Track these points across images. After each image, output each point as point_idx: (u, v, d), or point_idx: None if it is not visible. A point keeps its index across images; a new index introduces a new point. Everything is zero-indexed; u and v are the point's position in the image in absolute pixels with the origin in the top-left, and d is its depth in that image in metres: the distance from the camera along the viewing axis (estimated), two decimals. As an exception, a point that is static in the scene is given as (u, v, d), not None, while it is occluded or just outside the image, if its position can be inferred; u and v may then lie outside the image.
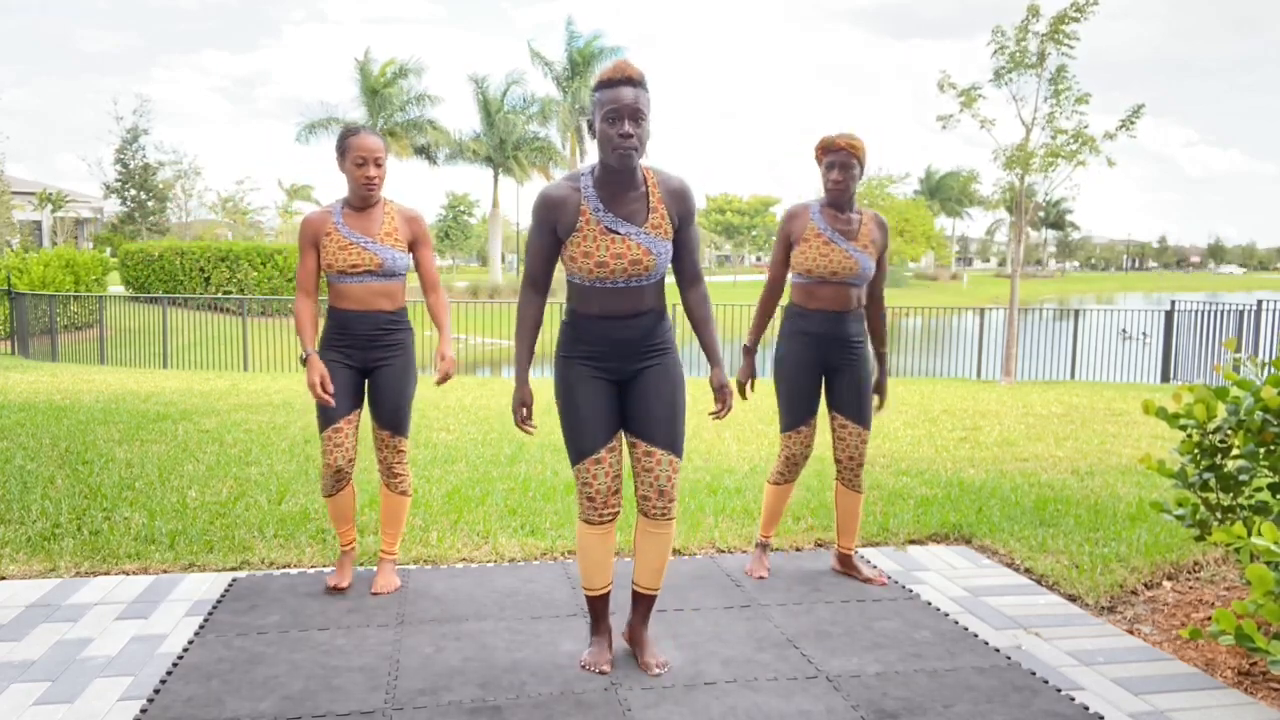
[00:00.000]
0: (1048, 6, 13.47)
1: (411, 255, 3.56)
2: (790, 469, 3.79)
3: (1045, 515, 4.69)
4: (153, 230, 35.37)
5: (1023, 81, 13.87)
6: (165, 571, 3.80)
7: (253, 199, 65.00)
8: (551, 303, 3.16)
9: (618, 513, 2.89)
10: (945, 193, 71.42)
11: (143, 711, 2.66)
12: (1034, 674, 2.98)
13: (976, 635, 3.29)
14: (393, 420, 3.53)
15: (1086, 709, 2.76)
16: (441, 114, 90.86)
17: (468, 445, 6.31)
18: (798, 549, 4.24)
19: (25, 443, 6.03)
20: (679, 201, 2.82)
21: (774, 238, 3.76)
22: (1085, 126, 13.65)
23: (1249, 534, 2.96)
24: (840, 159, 3.55)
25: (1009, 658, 3.10)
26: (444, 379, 3.52)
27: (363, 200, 3.45)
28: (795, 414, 3.71)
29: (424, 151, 38.10)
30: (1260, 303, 12.99)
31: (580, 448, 2.82)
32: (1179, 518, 3.38)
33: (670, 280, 2.95)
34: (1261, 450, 3.15)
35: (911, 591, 3.70)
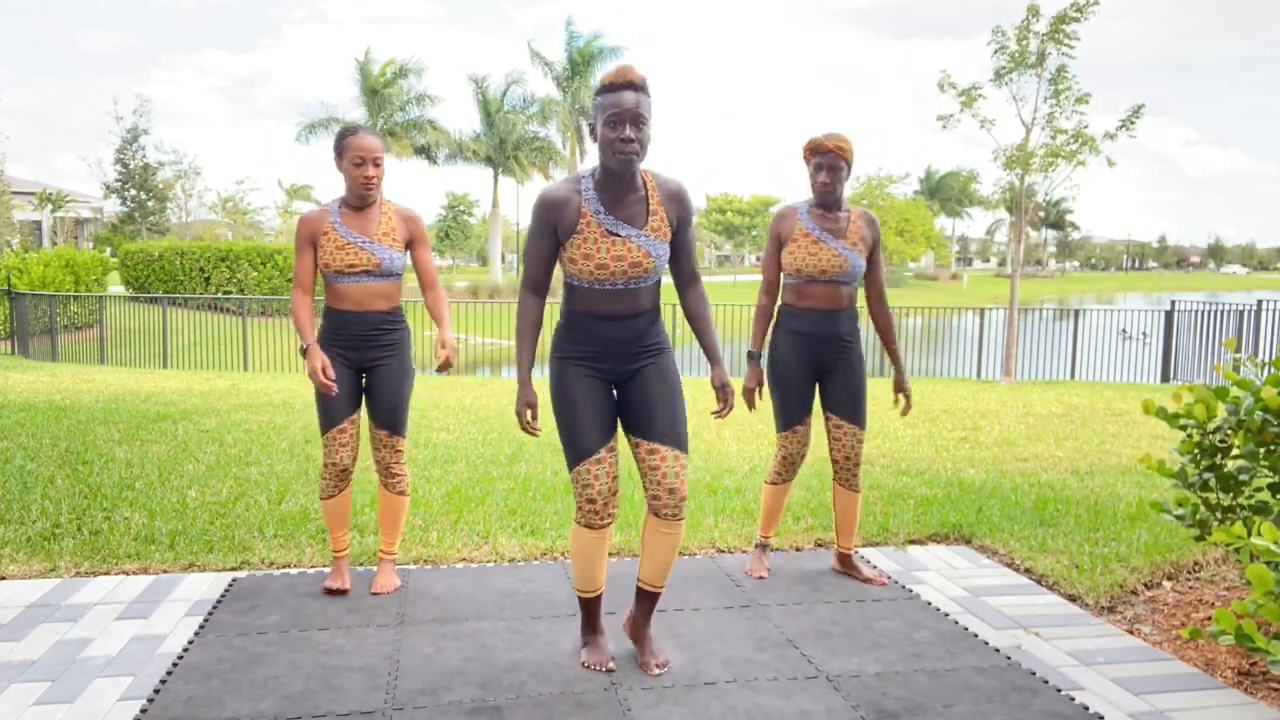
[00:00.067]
0: (1048, 6, 13.48)
1: (409, 255, 3.57)
2: (788, 469, 3.79)
3: (1045, 515, 4.69)
4: (153, 230, 35.37)
5: (1023, 81, 13.87)
6: (165, 571, 3.80)
7: (253, 199, 65.05)
8: (551, 302, 3.15)
9: (616, 516, 2.88)
10: (945, 193, 71.41)
11: (143, 711, 2.66)
12: (1034, 674, 2.98)
13: (976, 635, 3.29)
14: (390, 420, 3.53)
15: (1086, 709, 2.76)
16: (441, 114, 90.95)
17: (468, 445, 6.31)
18: (798, 549, 4.24)
19: (25, 443, 6.03)
20: (677, 204, 2.85)
21: None
22: (1085, 126, 13.65)
23: (1249, 534, 2.95)
24: (828, 160, 3.57)
25: (1009, 658, 3.10)
26: (445, 366, 3.50)
27: (361, 200, 3.45)
28: (790, 414, 3.71)
29: (424, 151, 38.09)
30: (1260, 303, 12.99)
31: (579, 449, 2.80)
32: (1179, 518, 3.38)
33: (666, 280, 2.95)
34: (1261, 450, 3.15)
35: (911, 591, 3.70)
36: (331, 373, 3.32)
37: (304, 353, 3.36)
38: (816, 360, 3.67)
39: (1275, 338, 12.79)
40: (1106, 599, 3.66)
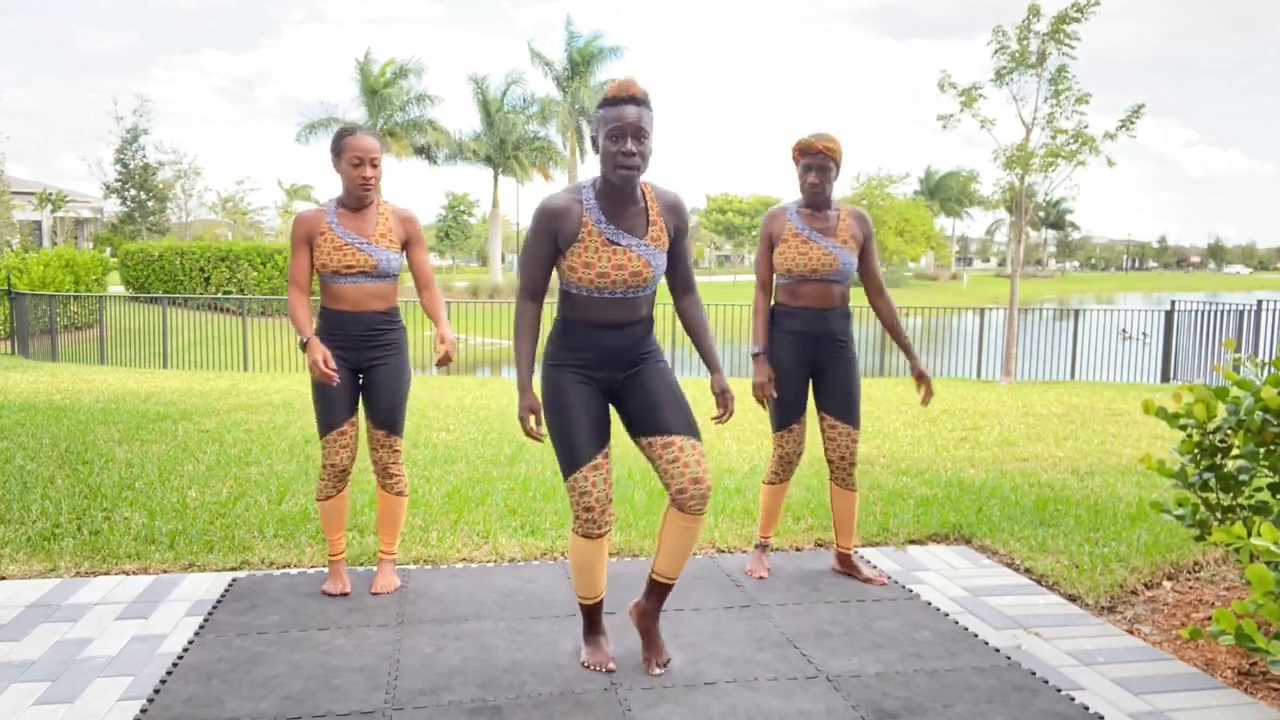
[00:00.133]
0: (1049, 6, 13.47)
1: (405, 256, 3.57)
2: (784, 468, 3.80)
3: (1045, 515, 4.69)
4: (153, 230, 35.38)
5: (1023, 81, 13.87)
6: (165, 571, 3.80)
7: (253, 199, 65.06)
8: (550, 302, 3.15)
9: (613, 524, 2.87)
10: (945, 193, 71.40)
11: (143, 711, 2.66)
12: (1034, 674, 2.98)
13: (976, 635, 3.29)
14: (389, 420, 3.53)
15: (1086, 709, 2.76)
16: (441, 114, 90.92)
17: (468, 445, 6.31)
18: (798, 549, 4.24)
19: (25, 443, 6.03)
20: (675, 215, 2.88)
21: None
22: (1085, 126, 13.65)
23: (1249, 534, 2.96)
24: (818, 161, 3.58)
25: (1009, 658, 3.10)
26: (445, 360, 3.49)
27: (358, 201, 3.45)
28: (786, 413, 3.72)
29: (424, 151, 38.08)
30: (1260, 303, 12.99)
31: (575, 456, 2.79)
32: (1179, 518, 3.38)
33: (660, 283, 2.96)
34: (1261, 450, 3.15)
35: (911, 591, 3.70)
36: (333, 363, 3.31)
37: (303, 347, 3.35)
38: (810, 359, 3.68)
39: (1275, 338, 12.80)
40: (1106, 599, 3.66)
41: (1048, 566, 3.95)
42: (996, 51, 13.87)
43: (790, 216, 3.69)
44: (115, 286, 24.10)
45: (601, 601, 3.00)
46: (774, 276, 3.76)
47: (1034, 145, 13.97)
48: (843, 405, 3.70)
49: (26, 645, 3.09)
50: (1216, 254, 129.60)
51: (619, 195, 2.76)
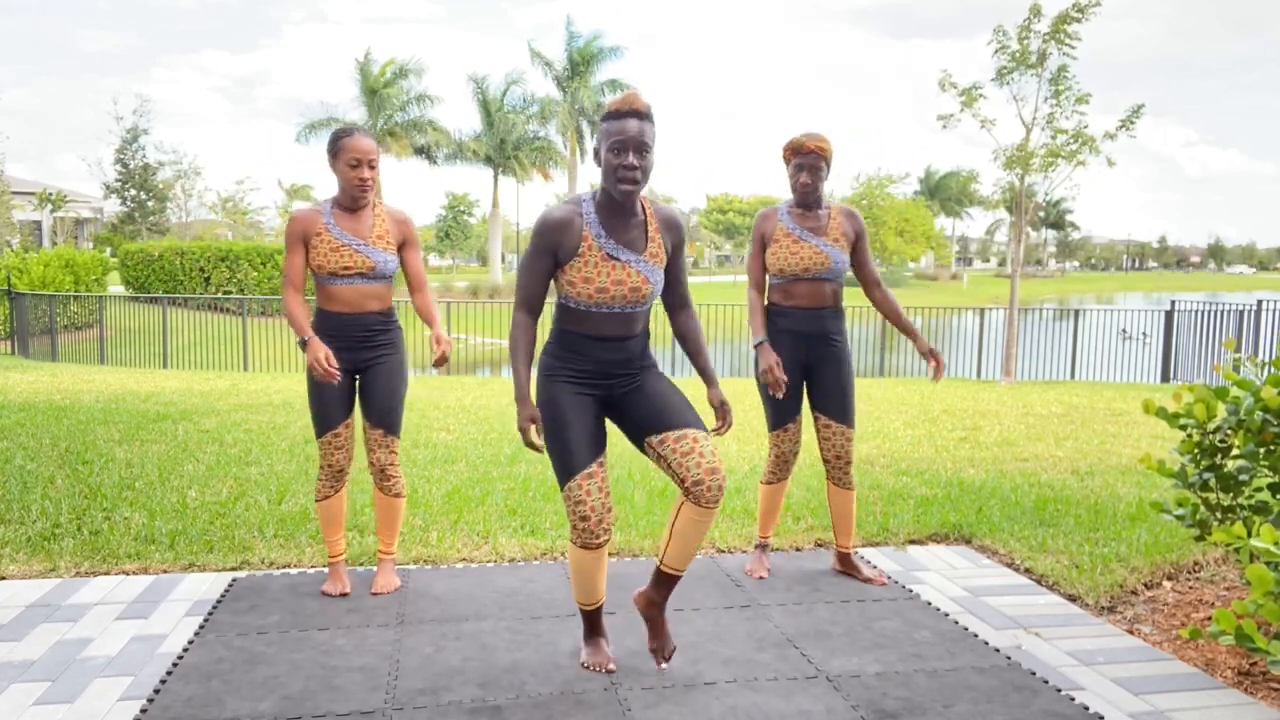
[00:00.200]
0: (1050, 6, 13.47)
1: (399, 257, 3.56)
2: (781, 467, 3.80)
3: (1045, 515, 4.70)
4: (153, 230, 35.39)
5: (1023, 81, 13.87)
6: (165, 571, 3.80)
7: (253, 199, 65.04)
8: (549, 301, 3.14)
9: (611, 534, 2.87)
10: (945, 193, 71.42)
11: (143, 711, 2.66)
12: (1034, 674, 2.98)
13: (976, 635, 3.29)
14: (386, 419, 3.53)
15: (1086, 709, 2.76)
16: (441, 114, 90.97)
17: (468, 445, 6.31)
18: (798, 549, 4.24)
19: (25, 443, 6.03)
20: (673, 232, 2.89)
21: None
22: (1085, 126, 13.65)
23: (1249, 534, 2.96)
24: (809, 161, 3.59)
25: (1009, 658, 3.10)
26: (442, 360, 3.49)
27: (354, 202, 3.44)
28: (781, 412, 3.73)
29: (424, 151, 38.08)
30: (1260, 303, 13.00)
31: (571, 464, 2.77)
32: (1179, 518, 3.38)
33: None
34: (1261, 450, 3.15)
35: (911, 591, 3.70)
36: (334, 361, 3.31)
37: (303, 346, 3.34)
38: (804, 358, 3.69)
39: (1275, 338, 12.80)
40: (1106, 599, 3.66)
41: (1048, 566, 3.95)
42: (997, 51, 13.87)
43: (781, 217, 3.70)
44: (115, 286, 24.11)
45: (602, 605, 3.00)
46: (766, 276, 3.77)
47: (1034, 145, 13.98)
48: (837, 405, 3.70)
49: (26, 645, 3.09)
50: (1216, 254, 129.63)
51: (619, 209, 2.77)
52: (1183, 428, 3.33)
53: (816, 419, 3.75)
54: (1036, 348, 14.87)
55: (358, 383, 3.55)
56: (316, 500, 3.58)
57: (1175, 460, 4.21)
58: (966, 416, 8.36)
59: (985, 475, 5.61)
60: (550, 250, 2.76)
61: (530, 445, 2.80)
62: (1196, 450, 3.34)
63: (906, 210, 52.56)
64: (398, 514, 3.66)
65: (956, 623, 3.40)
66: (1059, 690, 2.87)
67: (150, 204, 35.91)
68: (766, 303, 3.78)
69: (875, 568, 3.97)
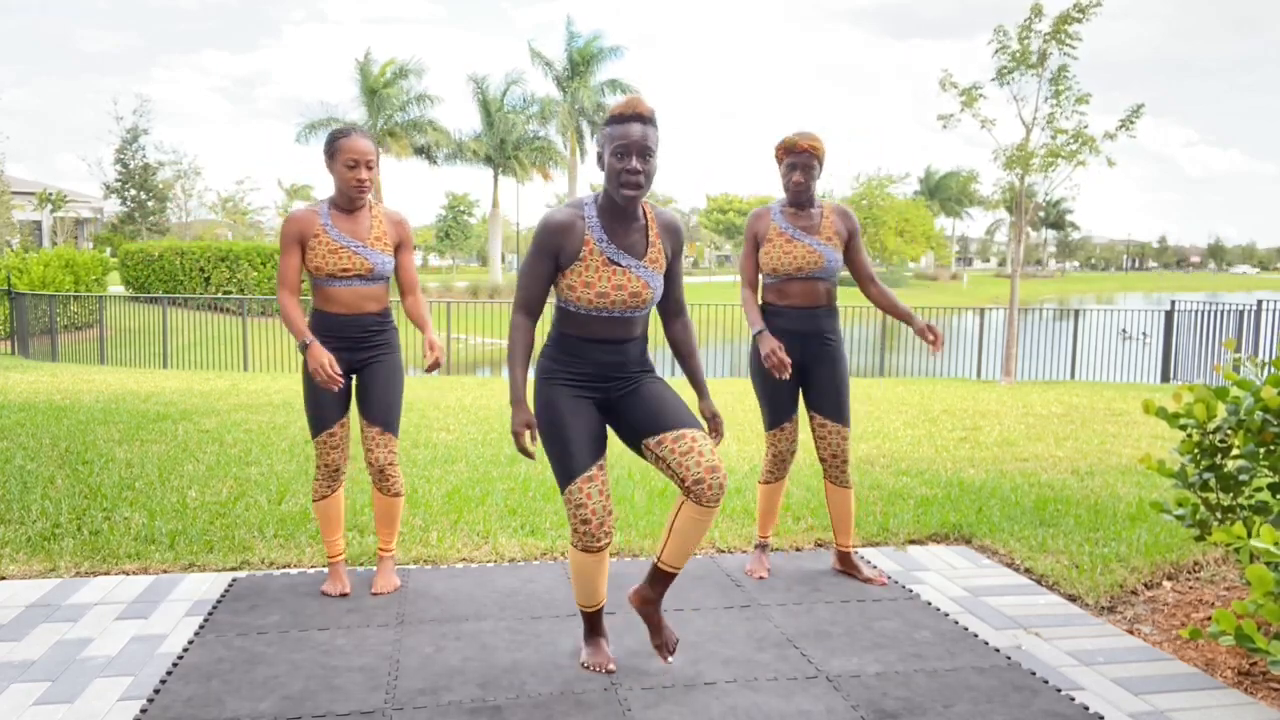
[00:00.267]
0: (1051, 6, 13.46)
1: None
2: (778, 466, 3.81)
3: (1045, 515, 4.69)
4: (153, 230, 35.39)
5: (1023, 81, 13.86)
6: (165, 571, 3.80)
7: (253, 199, 65.03)
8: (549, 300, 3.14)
9: (612, 537, 2.86)
10: (945, 193, 71.43)
11: (143, 711, 2.66)
12: (1034, 674, 2.98)
13: (976, 635, 3.29)
14: (386, 417, 3.52)
15: (1086, 709, 2.76)
16: (441, 114, 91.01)
17: (468, 445, 6.31)
18: (798, 549, 4.24)
19: (25, 443, 6.03)
20: (673, 237, 2.90)
21: None
22: (1085, 126, 13.64)
23: (1249, 534, 2.96)
24: (802, 160, 3.60)
25: (1009, 658, 3.10)
26: (434, 366, 3.49)
27: (351, 203, 3.43)
28: (777, 412, 3.74)
29: (424, 151, 38.09)
30: (1260, 303, 12.99)
31: (571, 468, 2.77)
32: (1179, 518, 3.38)
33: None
34: (1261, 450, 3.15)
35: (911, 591, 3.70)
36: (338, 368, 3.31)
37: (303, 349, 3.34)
38: (799, 357, 3.69)
39: (1275, 338, 12.79)
40: (1106, 599, 3.66)
41: (1048, 566, 3.95)
42: (997, 51, 13.86)
43: (774, 216, 3.71)
44: (115, 286, 24.11)
45: (602, 607, 3.00)
46: (760, 276, 3.78)
47: (1034, 145, 13.97)
48: (832, 404, 3.70)
49: (26, 645, 3.09)
50: (1217, 254, 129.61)
51: (621, 213, 2.76)
52: (1183, 428, 3.33)
53: (812, 418, 3.75)
54: (1036, 348, 14.87)
55: (354, 383, 3.55)
56: (314, 500, 3.58)
57: (1175, 460, 4.21)
58: (966, 416, 8.36)
59: (985, 475, 5.61)
60: (552, 253, 2.75)
61: (522, 451, 2.78)
62: (1196, 450, 3.34)
63: (906, 210, 52.54)
64: (397, 512, 3.66)
65: (956, 623, 3.40)
66: (1059, 690, 2.87)
67: (150, 204, 35.91)
68: (761, 303, 3.78)
69: (875, 568, 3.97)
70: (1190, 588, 3.79)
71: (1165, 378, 13.94)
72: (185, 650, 3.05)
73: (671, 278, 2.93)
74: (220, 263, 23.06)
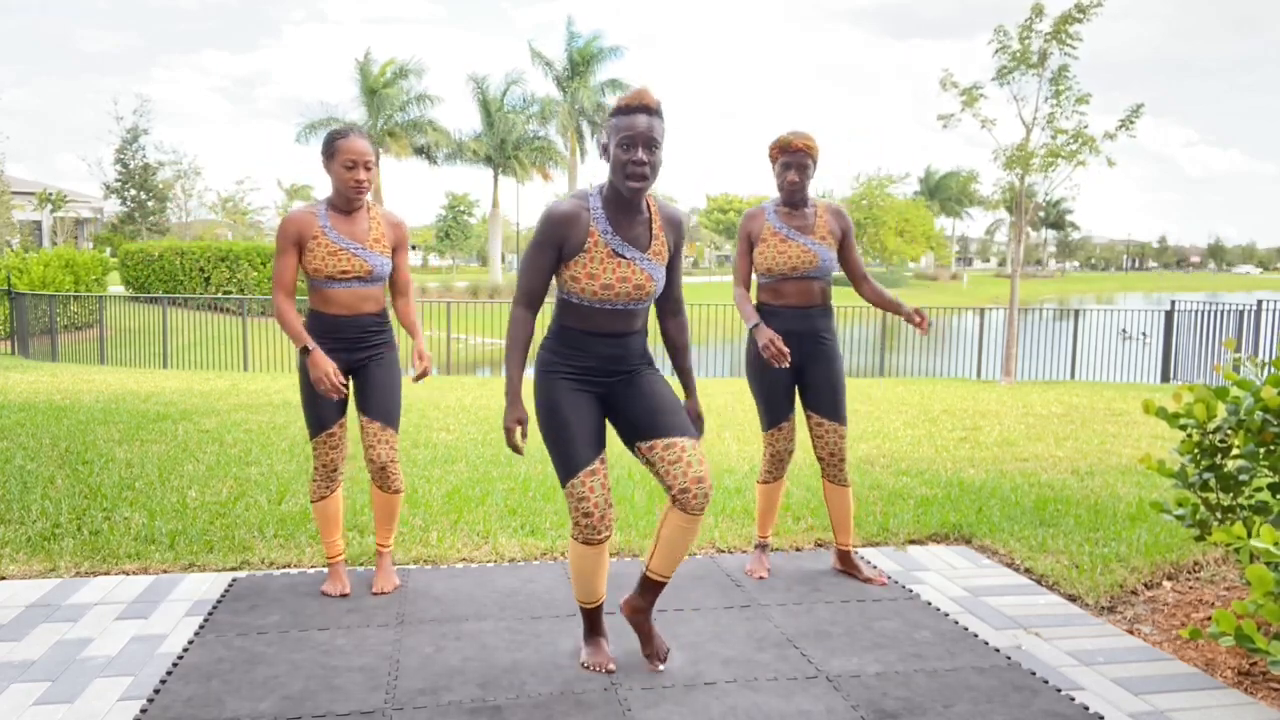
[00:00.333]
0: (1051, 6, 13.46)
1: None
2: (777, 466, 3.81)
3: (1045, 515, 4.69)
4: (153, 230, 35.39)
5: (1024, 81, 13.86)
6: (165, 571, 3.80)
7: (253, 199, 65.05)
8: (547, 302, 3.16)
9: (612, 529, 2.87)
10: (945, 193, 71.42)
11: (143, 711, 2.66)
12: (1034, 674, 2.98)
13: (976, 635, 3.29)
14: (386, 413, 3.52)
15: (1086, 709, 2.76)
16: (441, 114, 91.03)
17: (468, 445, 6.31)
18: (798, 549, 4.24)
19: (25, 443, 6.03)
20: (675, 230, 2.90)
21: None
22: (1085, 126, 13.64)
23: (1249, 534, 2.95)
24: (797, 159, 3.60)
25: (1009, 658, 3.10)
26: (422, 376, 3.51)
27: (349, 204, 3.42)
28: (774, 412, 3.74)
29: (424, 151, 38.09)
30: (1260, 303, 12.99)
31: (572, 462, 2.78)
32: (1179, 518, 3.38)
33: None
34: (1261, 450, 3.15)
35: (911, 591, 3.70)
36: (340, 376, 3.31)
37: (304, 355, 3.33)
38: (795, 357, 3.70)
39: (1275, 338, 12.79)
40: (1106, 599, 3.66)
41: (1048, 566, 3.95)
42: (998, 51, 13.86)
43: (769, 216, 3.71)
44: (115, 286, 24.10)
45: (602, 604, 3.00)
46: (754, 276, 3.78)
47: (1034, 145, 13.96)
48: (828, 402, 3.71)
49: (26, 645, 3.09)
50: (1216, 254, 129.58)
51: (625, 205, 2.76)
52: (1183, 428, 3.33)
53: (809, 417, 3.75)
54: (1036, 348, 14.86)
55: (352, 382, 3.55)
56: (312, 501, 3.57)
57: (1175, 460, 4.21)
58: (966, 416, 8.36)
59: (985, 475, 5.61)
60: (555, 244, 2.74)
61: (513, 447, 2.79)
62: (1196, 450, 3.34)
63: (906, 210, 52.53)
64: (396, 510, 3.67)
65: (956, 623, 3.40)
66: (1059, 690, 2.87)
67: (150, 204, 35.90)
68: (756, 303, 3.78)
69: (875, 568, 3.97)
70: (1190, 588, 3.79)
71: (1165, 378, 13.94)
72: (185, 650, 3.05)
73: (671, 272, 2.93)
74: (220, 263, 23.06)
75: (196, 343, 16.01)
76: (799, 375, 3.75)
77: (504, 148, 38.45)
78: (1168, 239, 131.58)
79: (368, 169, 3.37)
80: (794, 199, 3.67)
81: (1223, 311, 13.49)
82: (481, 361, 19.43)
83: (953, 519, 4.58)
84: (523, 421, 2.80)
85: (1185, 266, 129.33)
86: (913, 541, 4.37)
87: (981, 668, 3.02)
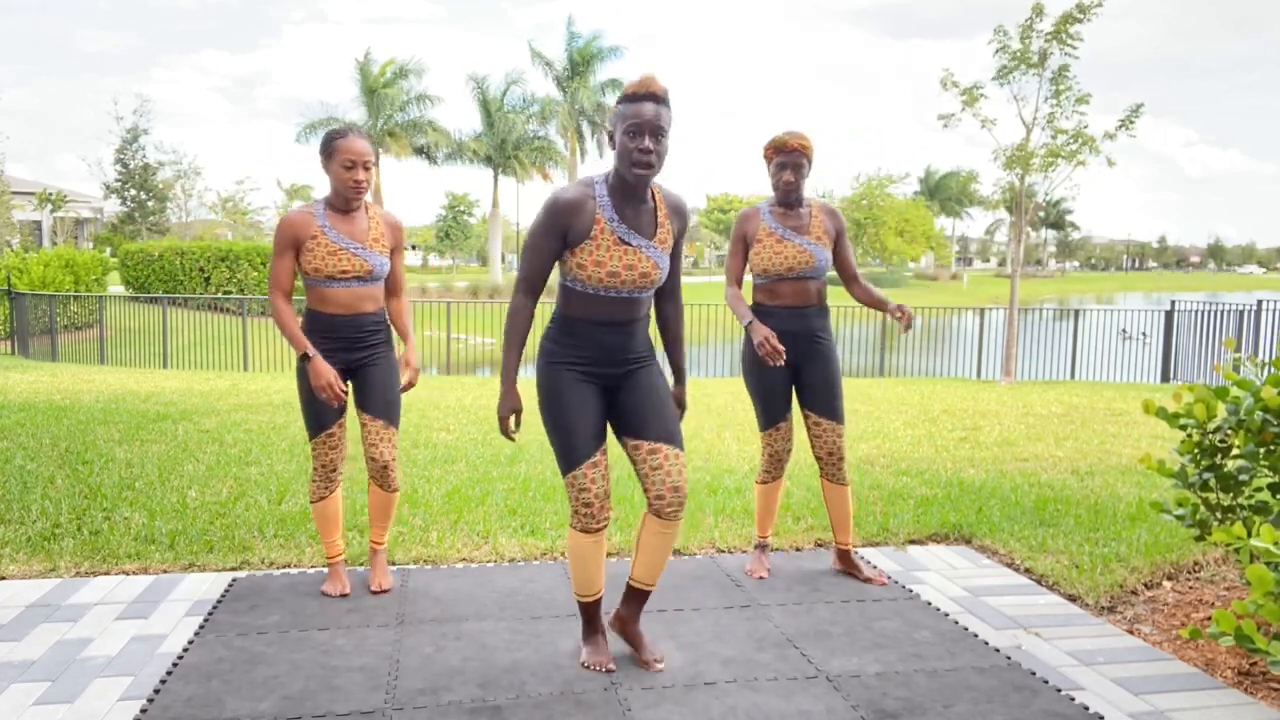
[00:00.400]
0: (1052, 6, 13.45)
1: None
2: (775, 466, 3.81)
3: (1045, 515, 4.69)
4: (153, 230, 35.38)
5: (1024, 81, 13.85)
6: (165, 571, 3.80)
7: (253, 199, 64.96)
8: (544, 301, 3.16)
9: (610, 518, 2.89)
10: (945, 193, 71.40)
11: (143, 711, 2.66)
12: (1034, 674, 2.98)
13: (976, 635, 3.29)
14: (387, 411, 3.52)
15: (1086, 709, 2.76)
16: (441, 114, 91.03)
17: (468, 445, 6.31)
18: (798, 549, 4.24)
19: (25, 443, 6.03)
20: (679, 218, 2.90)
21: None
22: (1085, 126, 13.63)
23: (1249, 534, 2.95)
24: (792, 159, 3.60)
25: (1009, 658, 3.10)
26: (409, 386, 3.55)
27: (348, 204, 3.41)
28: (772, 412, 3.74)
29: (424, 151, 38.09)
30: (1260, 303, 12.99)
31: (575, 454, 2.79)
32: (1179, 518, 3.38)
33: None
34: (1261, 450, 3.15)
35: (911, 591, 3.70)
36: (341, 384, 3.32)
37: (304, 361, 3.32)
38: (791, 357, 3.70)
39: (1275, 338, 12.79)
40: (1106, 599, 3.66)
41: (1048, 566, 3.95)
42: (998, 51, 13.85)
43: (764, 216, 3.71)
44: (115, 286, 24.09)
45: (600, 600, 3.01)
46: (748, 277, 3.78)
47: (1034, 145, 13.96)
48: (826, 401, 3.71)
49: (26, 645, 3.09)
50: (1216, 254, 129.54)
51: (631, 193, 2.76)
52: (1183, 428, 3.33)
53: (806, 417, 3.76)
54: (1036, 348, 14.86)
55: (351, 382, 3.55)
56: (312, 502, 3.57)
57: (1175, 460, 4.21)
58: (966, 416, 8.36)
59: (985, 475, 5.61)
60: (560, 231, 2.73)
61: (505, 435, 2.82)
62: (1196, 450, 3.34)
63: (906, 210, 52.49)
64: (392, 507, 3.68)
65: (956, 623, 3.40)
66: (1059, 690, 2.87)
67: (150, 204, 35.89)
68: (752, 304, 3.78)
69: (875, 568, 3.97)
70: (1190, 588, 3.79)
71: (1165, 378, 13.94)
72: (185, 650, 3.05)
73: (673, 259, 2.93)
74: (220, 263, 23.05)
75: (196, 343, 16.01)
76: (796, 375, 3.75)
77: (504, 148, 38.45)
78: (1168, 239, 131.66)
79: (367, 169, 3.36)
80: (789, 199, 3.67)
81: (1223, 311, 13.49)
82: (481, 361, 19.43)
83: (953, 519, 4.58)
84: (518, 410, 2.82)
85: (1185, 266, 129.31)
86: (913, 541, 4.37)
87: (981, 668, 3.02)
